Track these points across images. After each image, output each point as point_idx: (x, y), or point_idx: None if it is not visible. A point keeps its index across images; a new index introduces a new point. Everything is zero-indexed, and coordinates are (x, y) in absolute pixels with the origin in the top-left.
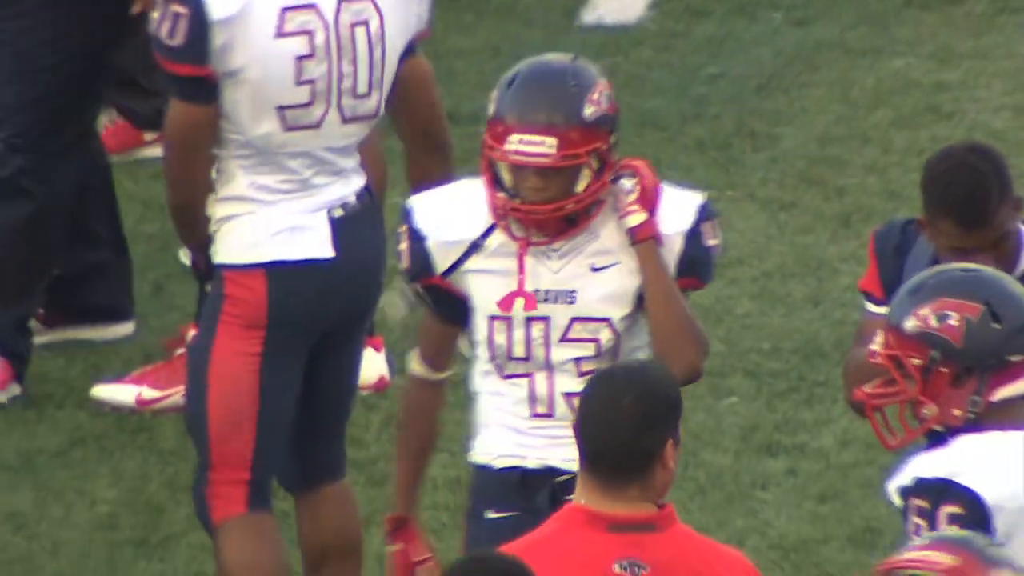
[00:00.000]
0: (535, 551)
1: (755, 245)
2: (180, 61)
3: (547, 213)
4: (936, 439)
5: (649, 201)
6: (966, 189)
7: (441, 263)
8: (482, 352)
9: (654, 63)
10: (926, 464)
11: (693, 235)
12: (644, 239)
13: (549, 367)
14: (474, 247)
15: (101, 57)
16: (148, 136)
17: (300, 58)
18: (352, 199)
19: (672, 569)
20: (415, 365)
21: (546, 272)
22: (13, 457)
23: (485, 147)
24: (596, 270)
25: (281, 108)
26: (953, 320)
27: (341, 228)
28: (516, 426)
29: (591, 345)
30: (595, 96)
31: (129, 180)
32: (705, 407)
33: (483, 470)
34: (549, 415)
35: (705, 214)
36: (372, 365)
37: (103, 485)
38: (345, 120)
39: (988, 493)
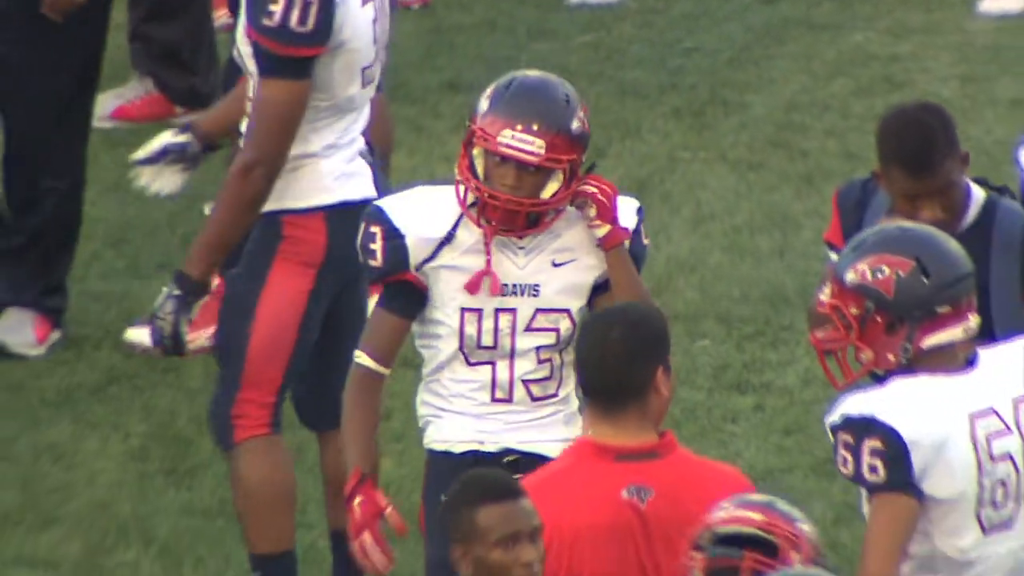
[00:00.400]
0: (551, 483)
1: (726, 202)
2: (308, 45)
3: (523, 206)
4: (881, 380)
5: (608, 213)
6: (915, 139)
7: (416, 259)
8: (447, 344)
9: (635, 38)
10: (854, 403)
11: (636, 234)
12: (612, 247)
13: (512, 355)
14: (447, 240)
15: (95, 47)
16: (179, 110)
17: (373, 21)
18: (365, 147)
19: (675, 492)
20: (361, 358)
21: (513, 268)
22: (53, 394)
23: (476, 137)
24: (557, 265)
25: (363, 68)
26: (886, 274)
27: (373, 172)
28: (475, 412)
29: (552, 334)
30: (581, 114)
31: None
32: (681, 349)
33: (442, 456)
34: (508, 400)
35: (642, 216)
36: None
37: (136, 420)
38: (381, 70)
39: (906, 430)
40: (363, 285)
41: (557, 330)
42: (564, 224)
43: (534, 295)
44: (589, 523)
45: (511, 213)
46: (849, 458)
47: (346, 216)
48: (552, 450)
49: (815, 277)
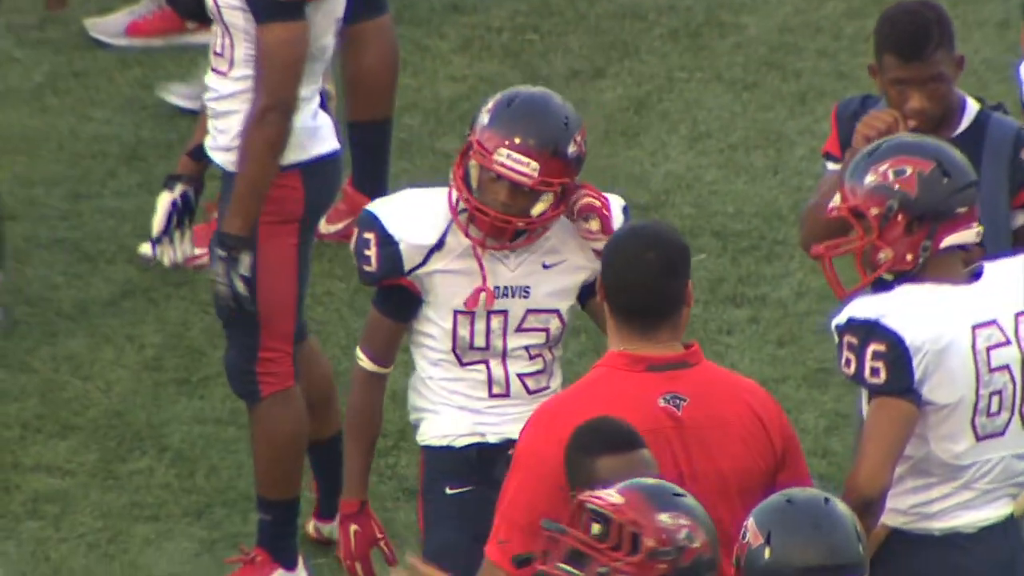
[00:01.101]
0: (588, 393)
1: (721, 121)
2: None
3: (511, 224)
4: (884, 289)
5: (609, 226)
6: (908, 26)
7: (409, 265)
8: (439, 344)
9: None
10: (860, 306)
11: None
12: None
13: (504, 354)
14: (437, 247)
15: None
16: (190, 25)
17: None
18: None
19: (707, 399)
20: (363, 362)
21: (504, 271)
22: (70, 307)
23: (472, 152)
24: (547, 267)
25: (337, 19)
26: (908, 173)
27: (334, 123)
28: (474, 407)
29: (542, 334)
30: (578, 138)
31: (172, 63)
32: None
33: (441, 451)
34: (506, 395)
35: (628, 215)
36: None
37: (149, 331)
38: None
39: (909, 336)
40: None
41: (547, 330)
42: (553, 228)
43: (524, 296)
44: None
45: (499, 228)
46: (852, 359)
47: (319, 170)
48: None
49: (808, 193)
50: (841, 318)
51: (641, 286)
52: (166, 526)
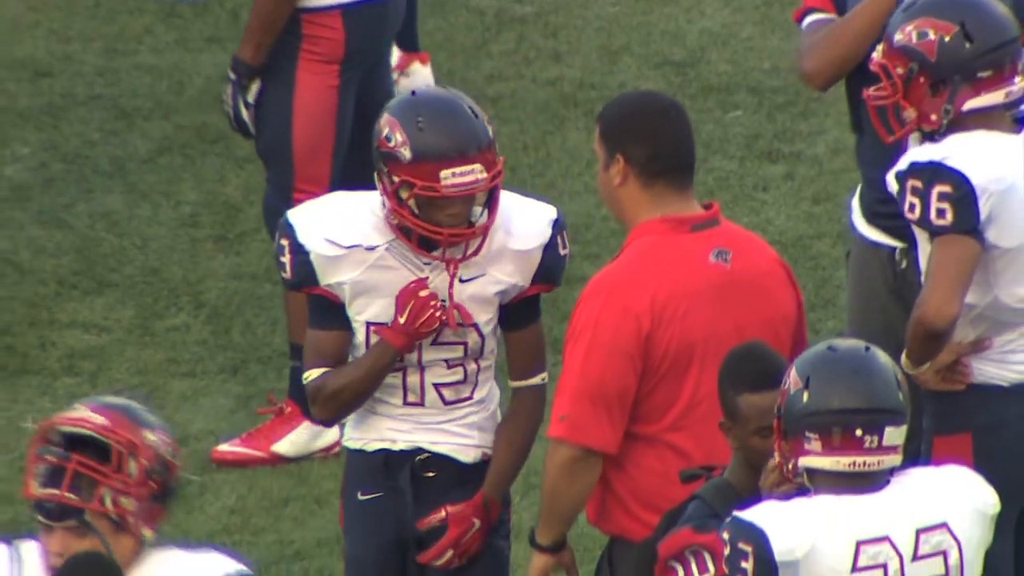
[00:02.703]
0: (644, 260)
1: None
2: None
3: (486, 230)
4: (930, 140)
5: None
6: None
7: (323, 275)
8: (358, 353)
9: None
10: (921, 151)
11: (550, 247)
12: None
13: (421, 365)
14: (348, 257)
15: None
16: None
17: None
18: None
19: (745, 253)
20: (308, 376)
21: None
22: (106, 163)
23: (415, 188)
24: (463, 281)
25: None
26: (930, 37)
27: None
28: (388, 412)
29: (459, 347)
30: (486, 117)
31: None
32: (714, 119)
33: (356, 454)
34: (420, 403)
35: (558, 227)
36: (421, 77)
37: (186, 188)
38: None
39: (975, 175)
40: (385, 65)
41: (465, 343)
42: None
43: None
44: (688, 290)
45: (460, 238)
46: (917, 203)
47: (362, 13)
48: (462, 454)
49: None
50: (901, 164)
51: (680, 140)
52: (202, 382)
